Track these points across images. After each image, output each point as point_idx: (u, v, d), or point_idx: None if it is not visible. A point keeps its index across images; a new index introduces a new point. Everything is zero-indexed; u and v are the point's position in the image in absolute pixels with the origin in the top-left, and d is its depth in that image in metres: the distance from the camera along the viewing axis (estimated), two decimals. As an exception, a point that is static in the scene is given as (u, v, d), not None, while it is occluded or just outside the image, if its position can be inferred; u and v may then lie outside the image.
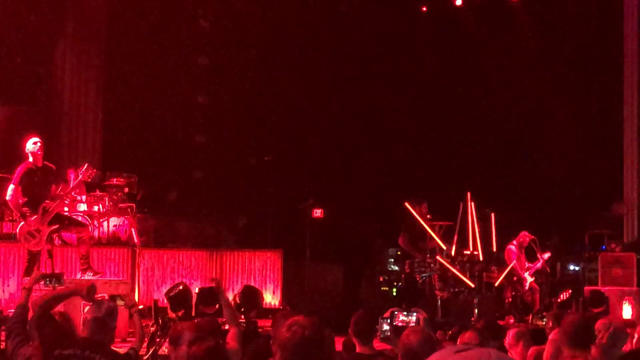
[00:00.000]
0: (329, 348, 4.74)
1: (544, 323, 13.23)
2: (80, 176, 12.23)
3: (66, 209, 12.62)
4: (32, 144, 11.55)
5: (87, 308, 11.26)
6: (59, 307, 6.93)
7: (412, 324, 6.67)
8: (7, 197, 11.51)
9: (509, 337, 7.75)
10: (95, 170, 12.63)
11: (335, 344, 6.43)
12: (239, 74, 19.51)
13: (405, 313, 6.96)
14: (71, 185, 12.47)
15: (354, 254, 18.36)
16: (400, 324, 6.75)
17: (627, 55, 17.39)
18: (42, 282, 7.66)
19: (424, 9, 19.82)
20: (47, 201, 11.54)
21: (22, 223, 11.45)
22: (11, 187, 11.44)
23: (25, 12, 16.40)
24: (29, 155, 11.54)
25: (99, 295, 11.49)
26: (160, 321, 9.28)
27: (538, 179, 20.02)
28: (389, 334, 6.87)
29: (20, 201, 11.44)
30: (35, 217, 11.40)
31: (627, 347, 6.27)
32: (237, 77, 19.50)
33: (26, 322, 6.40)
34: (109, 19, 18.18)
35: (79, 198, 13.45)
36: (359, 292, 16.58)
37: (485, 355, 2.30)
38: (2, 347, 9.80)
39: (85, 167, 12.23)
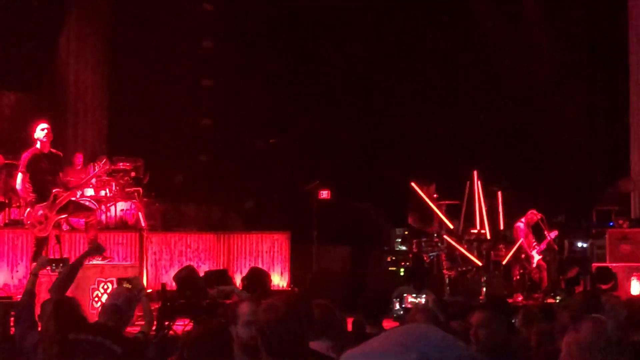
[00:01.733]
0: (327, 318, 4.74)
1: (556, 301, 13.24)
2: (96, 169, 12.35)
3: (78, 195, 12.64)
4: (40, 130, 11.57)
5: (95, 292, 11.37)
6: (68, 293, 6.95)
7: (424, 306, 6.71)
8: (18, 187, 11.55)
9: (519, 317, 7.75)
10: (111, 166, 12.80)
11: (346, 324, 6.48)
12: (243, 56, 19.49)
13: (414, 295, 7.00)
14: (84, 177, 12.55)
15: (361, 235, 18.38)
16: (409, 306, 6.79)
17: (632, 33, 17.31)
18: (48, 268, 7.69)
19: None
20: (58, 189, 11.55)
21: (28, 209, 11.47)
22: (19, 175, 11.47)
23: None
24: (37, 141, 11.56)
25: (108, 279, 11.59)
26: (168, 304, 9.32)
27: (544, 156, 19.99)
28: (401, 312, 6.91)
29: (28, 186, 11.46)
30: (44, 203, 11.42)
31: None
32: (242, 59, 19.48)
33: (33, 308, 6.44)
34: (113, 2, 18.16)
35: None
36: (367, 272, 16.59)
37: (414, 329, 2.34)
38: (12, 332, 9.88)
39: (103, 161, 12.38)
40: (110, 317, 6.02)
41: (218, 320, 5.40)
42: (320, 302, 5.08)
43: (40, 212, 11.38)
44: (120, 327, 6.09)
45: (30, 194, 11.44)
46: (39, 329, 6.18)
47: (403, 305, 6.83)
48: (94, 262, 11.90)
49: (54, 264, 7.22)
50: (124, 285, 6.59)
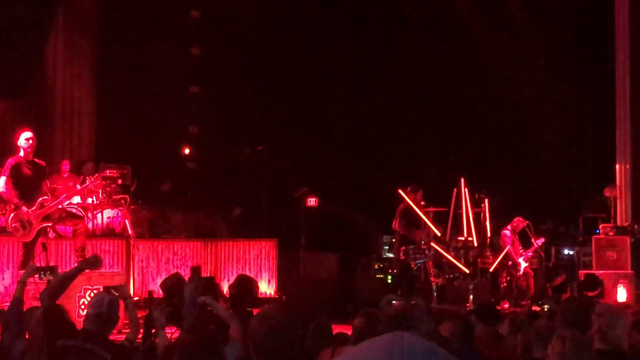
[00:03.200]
0: (320, 335, 4.78)
1: (543, 309, 13.25)
2: (87, 183, 12.37)
3: (65, 203, 12.60)
4: (24, 139, 11.54)
5: (82, 300, 11.33)
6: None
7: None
8: (1, 189, 11.51)
9: (506, 325, 7.76)
10: (102, 182, 12.82)
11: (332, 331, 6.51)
12: (231, 63, 19.49)
13: (403, 303, 6.99)
14: (71, 184, 12.53)
15: (349, 242, 18.39)
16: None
17: (619, 44, 17.39)
18: (36, 276, 7.66)
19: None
20: (45, 198, 11.54)
21: (12, 214, 11.42)
22: (2, 178, 11.43)
23: (15, 5, 16.36)
24: (21, 149, 11.53)
25: (95, 287, 11.55)
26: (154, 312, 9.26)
27: (531, 164, 20.07)
28: None
29: (12, 190, 11.41)
30: (31, 209, 11.38)
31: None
32: (229, 66, 19.49)
33: (21, 316, 6.42)
34: (100, 10, 18.15)
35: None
36: (355, 280, 16.60)
37: (399, 339, 2.33)
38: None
39: (95, 177, 12.41)
40: (96, 324, 6.00)
41: (208, 327, 5.40)
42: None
43: (24, 214, 11.33)
44: (107, 333, 6.08)
45: (15, 198, 11.40)
46: (27, 336, 6.16)
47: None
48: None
49: (41, 272, 7.18)
50: (111, 291, 6.53)
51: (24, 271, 10.99)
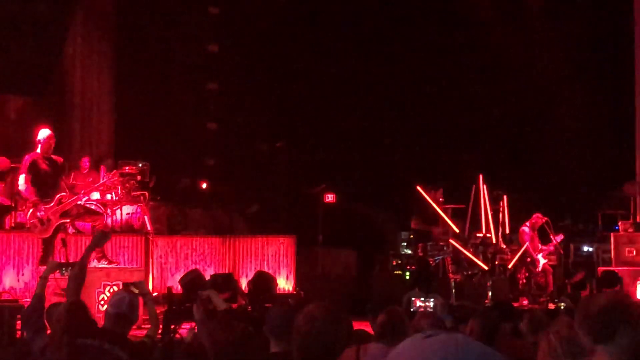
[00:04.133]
0: (345, 335, 4.77)
1: (561, 307, 13.20)
2: (105, 179, 12.40)
3: (83, 200, 12.64)
4: (43, 136, 11.59)
5: (101, 296, 11.39)
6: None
7: (430, 310, 6.69)
8: (20, 187, 11.56)
9: (525, 322, 7.71)
10: (120, 177, 12.87)
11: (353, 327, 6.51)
12: (249, 60, 19.51)
13: (422, 299, 6.97)
14: (90, 181, 12.58)
15: (367, 238, 18.38)
16: (418, 309, 6.77)
17: (638, 36, 17.28)
18: (57, 272, 7.67)
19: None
20: (64, 194, 11.58)
21: (31, 209, 11.47)
22: (22, 176, 11.48)
23: (35, 2, 16.42)
24: (39, 146, 11.58)
25: (114, 283, 11.60)
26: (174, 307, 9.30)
27: (550, 160, 19.99)
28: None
29: (31, 187, 11.47)
30: (48, 206, 11.43)
31: None
32: (248, 63, 19.51)
33: (42, 311, 6.44)
34: (119, 7, 18.19)
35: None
36: (372, 276, 16.59)
37: (453, 342, 2.31)
38: (17, 335, 9.89)
39: (113, 173, 12.46)
40: (115, 324, 6.02)
41: (244, 325, 5.38)
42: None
43: (42, 213, 11.38)
44: (126, 332, 6.09)
45: (34, 195, 11.44)
46: (48, 332, 6.19)
47: (411, 309, 6.81)
48: (100, 265, 11.92)
49: (63, 268, 7.18)
50: (130, 288, 6.54)
51: (44, 267, 11.11)
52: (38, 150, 11.58)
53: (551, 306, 13.61)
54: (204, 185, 19.48)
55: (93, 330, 5.95)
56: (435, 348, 2.31)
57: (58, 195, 11.50)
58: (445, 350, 2.28)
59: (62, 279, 7.67)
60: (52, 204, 11.44)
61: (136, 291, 6.62)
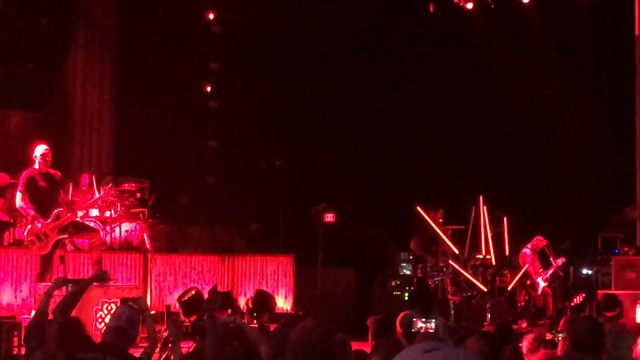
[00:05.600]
0: (340, 352, 4.75)
1: (559, 338, 13.09)
2: (101, 193, 12.36)
3: (79, 213, 12.60)
4: (39, 151, 11.52)
5: (99, 313, 11.33)
6: (72, 313, 6.91)
7: (431, 330, 6.63)
8: (18, 205, 11.50)
9: (527, 342, 7.67)
10: (116, 190, 12.84)
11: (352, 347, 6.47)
12: (250, 79, 19.54)
13: (423, 319, 6.91)
14: (89, 197, 12.56)
15: (366, 258, 18.33)
16: (419, 330, 6.71)
17: (639, 55, 17.28)
18: (64, 288, 7.59)
19: (432, 9, 19.50)
20: (61, 209, 11.51)
21: (29, 226, 11.41)
22: (19, 194, 11.41)
23: (37, 18, 16.43)
24: (36, 161, 11.52)
25: (112, 300, 11.54)
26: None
27: (550, 183, 19.97)
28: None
29: (28, 204, 11.41)
30: (46, 222, 11.37)
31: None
32: (249, 81, 19.53)
33: (45, 327, 6.41)
34: (120, 24, 18.23)
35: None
36: (371, 296, 16.54)
37: (454, 356, 2.28)
38: (14, 352, 9.84)
39: (109, 185, 12.43)
40: (114, 338, 6.00)
41: (246, 344, 5.36)
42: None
43: (40, 227, 11.31)
44: (126, 346, 6.07)
45: (31, 212, 11.38)
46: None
47: (412, 330, 6.75)
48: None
49: (69, 285, 7.08)
50: (129, 303, 6.51)
51: (43, 284, 11.06)
52: (36, 166, 11.51)
53: (549, 336, 13.52)
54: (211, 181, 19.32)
55: (92, 345, 5.93)
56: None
57: (55, 211, 11.44)
58: None
59: (59, 296, 7.61)
60: (49, 220, 11.38)
61: (136, 307, 6.59)
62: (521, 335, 9.07)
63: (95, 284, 11.57)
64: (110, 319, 6.18)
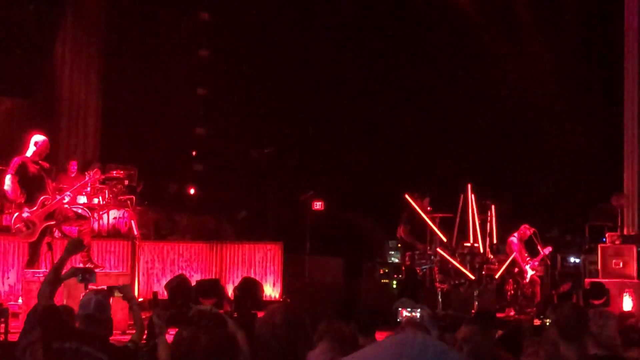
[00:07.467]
0: (307, 338, 4.70)
1: (547, 322, 13.13)
2: (87, 178, 12.31)
3: (66, 200, 12.56)
4: (40, 140, 11.54)
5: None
6: (59, 301, 6.89)
7: (417, 320, 6.64)
8: (5, 187, 11.47)
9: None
10: (103, 175, 12.79)
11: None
12: (238, 65, 19.49)
13: (409, 309, 6.91)
14: (76, 184, 12.50)
15: (354, 246, 18.35)
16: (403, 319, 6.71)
17: (628, 48, 17.32)
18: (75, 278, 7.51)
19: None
20: (47, 196, 11.51)
21: (16, 213, 11.40)
22: (8, 176, 11.40)
23: (24, 4, 16.36)
24: (33, 150, 11.50)
25: (99, 287, 11.52)
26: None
27: (538, 171, 20.01)
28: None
29: (17, 189, 11.38)
30: (33, 209, 11.36)
31: None
32: (237, 69, 19.48)
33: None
34: (107, 10, 18.16)
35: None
36: (359, 284, 16.55)
37: (410, 339, 2.29)
38: (1, 339, 9.82)
39: (94, 170, 12.38)
40: (87, 326, 5.96)
41: (224, 330, 5.33)
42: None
43: (26, 215, 11.30)
44: (103, 334, 6.03)
45: (19, 197, 11.37)
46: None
47: (397, 320, 6.76)
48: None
49: (80, 275, 6.99)
50: (116, 295, 6.47)
51: (30, 270, 11.04)
52: (29, 154, 11.50)
53: (537, 322, 13.56)
54: (192, 191, 19.43)
55: (69, 333, 5.88)
56: (393, 345, 2.29)
57: (42, 198, 11.43)
58: (400, 348, 2.26)
59: (80, 285, 7.50)
60: (35, 208, 11.36)
61: (120, 295, 6.56)
62: (508, 323, 9.11)
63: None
64: (78, 307, 6.12)
